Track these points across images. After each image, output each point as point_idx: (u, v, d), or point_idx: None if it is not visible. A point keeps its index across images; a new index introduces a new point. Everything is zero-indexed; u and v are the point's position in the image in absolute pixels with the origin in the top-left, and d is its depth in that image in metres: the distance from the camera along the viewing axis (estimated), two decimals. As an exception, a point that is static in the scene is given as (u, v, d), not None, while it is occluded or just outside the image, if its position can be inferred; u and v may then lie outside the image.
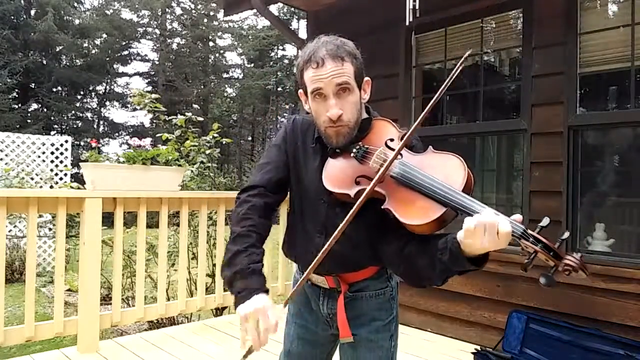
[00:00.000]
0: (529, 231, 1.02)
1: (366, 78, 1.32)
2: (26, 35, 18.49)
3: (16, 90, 18.00)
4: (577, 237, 3.05)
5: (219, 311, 4.31)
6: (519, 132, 3.35)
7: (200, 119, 4.98)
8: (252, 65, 25.41)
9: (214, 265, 4.11)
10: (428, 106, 1.15)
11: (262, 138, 26.52)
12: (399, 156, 1.17)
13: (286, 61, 25.28)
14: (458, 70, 1.15)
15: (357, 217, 1.11)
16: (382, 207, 1.14)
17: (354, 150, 1.25)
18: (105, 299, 4.13)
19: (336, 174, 1.25)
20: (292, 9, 16.09)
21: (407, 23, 3.03)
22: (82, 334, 3.07)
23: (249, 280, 1.16)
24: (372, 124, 1.32)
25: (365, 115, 1.33)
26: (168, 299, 3.82)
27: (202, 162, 4.59)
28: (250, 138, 26.63)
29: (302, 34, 5.06)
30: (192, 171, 4.51)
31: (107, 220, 3.35)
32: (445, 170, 1.13)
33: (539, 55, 3.17)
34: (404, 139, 1.18)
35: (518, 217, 1.03)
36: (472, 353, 3.04)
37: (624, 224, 3.19)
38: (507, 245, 0.98)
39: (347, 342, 1.35)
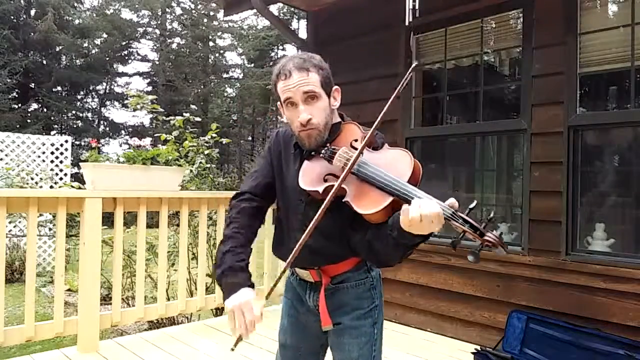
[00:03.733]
0: (458, 213, 1.15)
1: (335, 87, 1.44)
2: (26, 35, 18.49)
3: (16, 90, 17.99)
4: (577, 237, 3.05)
5: (219, 311, 4.31)
6: (519, 132, 3.35)
7: (198, 119, 4.97)
8: (252, 65, 25.38)
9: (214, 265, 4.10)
10: (383, 109, 1.28)
11: (262, 138, 26.47)
12: (361, 155, 1.28)
13: (286, 61, 25.26)
14: (408, 78, 1.37)
15: (327, 211, 1.24)
16: (343, 200, 1.27)
17: (322, 151, 1.38)
18: (105, 299, 4.13)
19: (308, 174, 1.38)
20: (292, 9, 16.09)
21: (407, 23, 3.03)
22: (82, 334, 3.07)
23: (234, 277, 1.32)
24: (341, 127, 1.44)
25: (337, 120, 1.46)
26: (168, 299, 3.83)
27: (200, 163, 4.59)
28: (250, 138, 26.62)
29: (302, 34, 5.06)
30: (191, 171, 4.51)
31: (107, 220, 3.36)
32: (396, 163, 1.28)
33: (539, 55, 3.17)
34: (365, 139, 1.29)
35: (453, 202, 1.16)
36: (472, 353, 3.04)
37: (624, 224, 3.19)
38: (441, 226, 1.12)
39: (328, 329, 1.45)
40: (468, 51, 3.71)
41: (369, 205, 1.23)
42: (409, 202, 1.15)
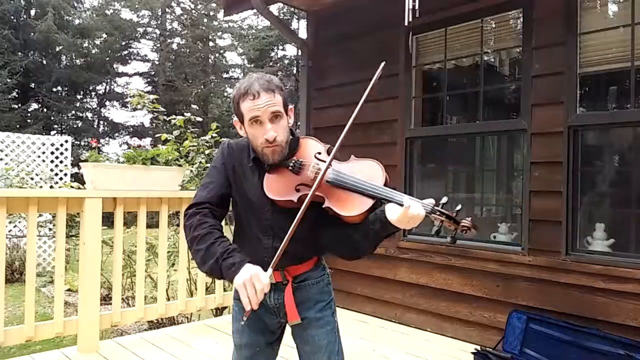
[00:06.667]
0: (436, 207, 1.37)
1: (290, 106, 1.56)
2: (26, 35, 18.47)
3: (16, 90, 17.96)
4: (577, 237, 3.05)
5: (219, 311, 4.31)
6: (519, 132, 3.35)
7: (199, 119, 4.98)
8: (252, 65, 25.37)
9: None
10: (351, 117, 1.47)
11: (262, 138, 26.45)
12: (330, 165, 1.45)
13: (286, 61, 25.24)
14: (375, 80, 1.56)
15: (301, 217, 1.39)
16: (323, 206, 1.43)
17: (291, 164, 1.51)
18: (105, 299, 4.13)
19: (277, 185, 1.50)
20: (292, 9, 16.08)
21: (407, 23, 3.03)
22: (82, 334, 3.08)
23: (234, 257, 1.39)
24: (299, 143, 1.58)
25: (292, 137, 1.59)
26: (168, 299, 3.83)
27: (201, 163, 4.59)
28: (250, 138, 26.60)
29: (302, 34, 5.06)
30: (191, 171, 4.51)
31: (107, 220, 3.36)
32: (368, 172, 1.47)
33: (539, 55, 3.17)
34: (333, 152, 1.46)
35: (431, 200, 1.38)
36: (472, 353, 3.04)
37: (624, 224, 3.19)
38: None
39: (295, 324, 1.56)
40: (468, 51, 3.71)
41: (352, 208, 1.41)
42: (385, 202, 1.38)
